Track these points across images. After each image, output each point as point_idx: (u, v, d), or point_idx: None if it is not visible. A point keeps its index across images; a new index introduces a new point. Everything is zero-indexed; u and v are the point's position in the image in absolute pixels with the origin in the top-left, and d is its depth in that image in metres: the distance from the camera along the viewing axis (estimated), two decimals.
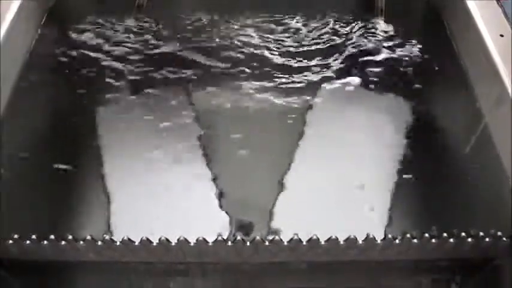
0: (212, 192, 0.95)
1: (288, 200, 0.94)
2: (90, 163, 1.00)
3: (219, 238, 0.73)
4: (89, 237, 0.73)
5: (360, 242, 0.73)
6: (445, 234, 0.73)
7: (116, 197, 0.94)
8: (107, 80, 1.13)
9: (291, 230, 0.86)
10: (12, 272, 0.81)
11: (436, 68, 1.14)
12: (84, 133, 1.05)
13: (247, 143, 1.03)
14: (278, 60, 1.19)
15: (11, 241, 0.74)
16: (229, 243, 0.74)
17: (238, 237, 0.73)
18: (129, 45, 1.21)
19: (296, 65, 1.18)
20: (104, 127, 1.05)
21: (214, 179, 0.97)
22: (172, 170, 0.99)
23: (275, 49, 1.21)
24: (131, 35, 1.23)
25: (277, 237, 0.73)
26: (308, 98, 1.11)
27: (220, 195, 0.95)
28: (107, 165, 0.99)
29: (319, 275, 0.83)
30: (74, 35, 1.22)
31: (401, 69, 1.16)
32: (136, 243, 0.73)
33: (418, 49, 1.19)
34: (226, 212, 0.92)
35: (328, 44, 1.22)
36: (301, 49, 1.21)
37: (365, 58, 1.18)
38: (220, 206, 0.93)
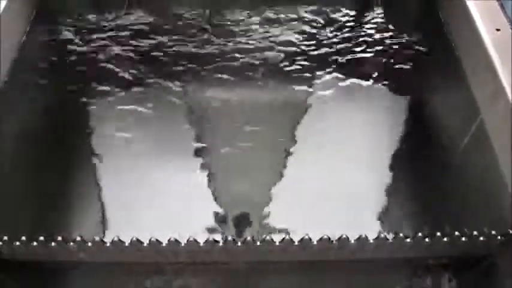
0: (206, 188, 0.95)
1: (283, 197, 0.94)
2: (80, 159, 1.00)
3: (210, 239, 0.73)
4: (79, 238, 0.73)
5: (352, 241, 0.72)
6: (438, 234, 0.73)
7: (107, 193, 0.94)
8: (99, 75, 1.12)
9: (286, 228, 0.88)
10: (8, 273, 0.80)
11: (432, 62, 1.13)
12: (75, 129, 1.04)
13: (242, 137, 1.02)
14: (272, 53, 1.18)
15: (0, 243, 0.73)
16: (221, 243, 0.73)
17: (229, 238, 0.73)
18: (118, 39, 1.19)
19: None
20: (95, 122, 1.04)
21: (208, 174, 0.97)
22: (165, 165, 0.98)
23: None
24: (121, 30, 1.21)
25: (268, 237, 0.73)
26: (303, 92, 1.10)
27: (215, 191, 0.94)
28: (97, 160, 0.99)
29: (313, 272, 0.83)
30: (63, 31, 1.20)
31: (396, 62, 1.14)
32: (127, 244, 0.72)
33: (413, 42, 1.17)
34: (221, 208, 0.92)
35: (323, 36, 1.20)
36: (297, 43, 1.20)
37: (359, 50, 1.17)
38: (215, 202, 0.93)
